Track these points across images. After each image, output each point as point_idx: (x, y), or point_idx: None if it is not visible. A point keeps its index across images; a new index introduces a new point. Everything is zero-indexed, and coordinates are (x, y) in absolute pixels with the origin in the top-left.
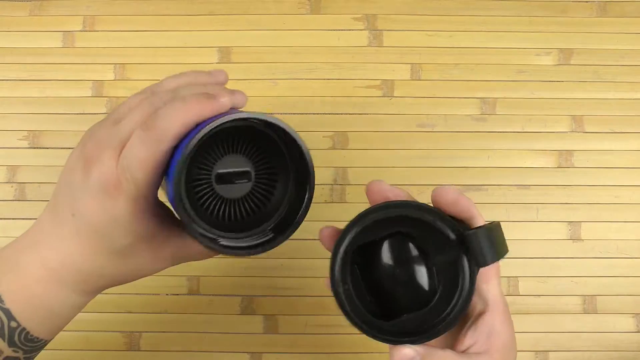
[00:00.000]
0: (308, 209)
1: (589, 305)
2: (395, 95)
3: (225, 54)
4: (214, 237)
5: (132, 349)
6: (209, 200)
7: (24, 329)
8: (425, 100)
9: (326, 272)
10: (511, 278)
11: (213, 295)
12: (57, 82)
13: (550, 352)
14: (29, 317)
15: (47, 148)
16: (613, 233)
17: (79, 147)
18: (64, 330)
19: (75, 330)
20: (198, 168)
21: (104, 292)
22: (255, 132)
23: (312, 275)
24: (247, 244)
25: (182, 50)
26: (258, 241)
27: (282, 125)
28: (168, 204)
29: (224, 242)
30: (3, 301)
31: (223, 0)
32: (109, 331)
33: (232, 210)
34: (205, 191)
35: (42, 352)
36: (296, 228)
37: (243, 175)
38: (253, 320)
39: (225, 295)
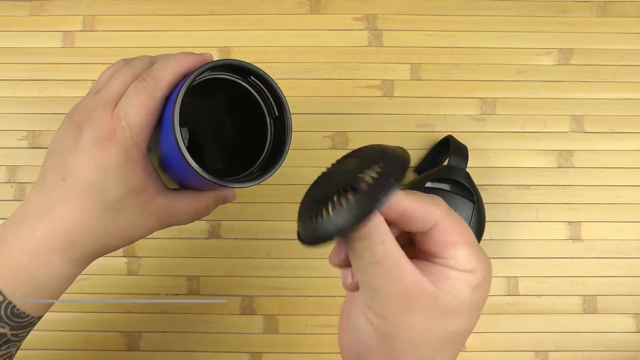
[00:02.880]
0: (291, 131)
1: (589, 305)
2: (395, 95)
3: (225, 54)
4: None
5: (132, 349)
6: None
7: (10, 302)
8: (425, 100)
9: (327, 272)
10: (511, 278)
11: (213, 295)
12: (57, 82)
13: (550, 352)
14: (14, 290)
15: (47, 148)
16: (613, 233)
17: (66, 120)
18: (63, 330)
19: (76, 330)
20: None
21: (104, 291)
22: (223, 85)
23: (312, 275)
24: (243, 180)
25: (182, 50)
26: (250, 177)
27: (251, 67)
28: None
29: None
30: None
31: (223, 0)
32: (108, 331)
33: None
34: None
35: (41, 351)
36: (284, 154)
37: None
38: (253, 320)
39: (225, 295)
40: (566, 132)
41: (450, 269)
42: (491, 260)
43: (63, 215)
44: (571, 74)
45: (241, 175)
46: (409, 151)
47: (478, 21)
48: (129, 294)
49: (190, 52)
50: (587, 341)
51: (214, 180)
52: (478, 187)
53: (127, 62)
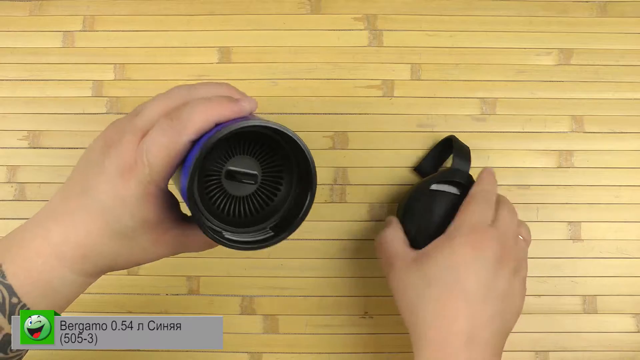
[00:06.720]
0: (309, 210)
1: (589, 305)
2: (395, 95)
3: (225, 54)
4: (219, 230)
5: (133, 348)
6: (216, 195)
7: (24, 305)
8: (425, 100)
9: (327, 272)
10: None
11: (213, 295)
12: (57, 82)
13: (550, 352)
14: (29, 292)
15: (47, 148)
16: (613, 233)
17: (101, 134)
18: None
19: None
20: (210, 164)
21: (104, 291)
22: (265, 136)
23: (312, 275)
24: (249, 239)
25: (182, 50)
26: (260, 237)
27: (290, 134)
28: (177, 195)
29: (228, 235)
30: (5, 277)
31: (223, 0)
32: None
33: (237, 206)
34: (213, 186)
35: (42, 351)
36: (297, 227)
37: (250, 177)
38: (253, 320)
39: (225, 295)
40: (566, 132)
41: None
42: None
43: (78, 227)
44: (571, 74)
45: (256, 227)
46: (409, 151)
47: (478, 21)
48: (129, 294)
49: (227, 98)
50: (587, 341)
51: (221, 241)
52: None
53: (170, 92)
